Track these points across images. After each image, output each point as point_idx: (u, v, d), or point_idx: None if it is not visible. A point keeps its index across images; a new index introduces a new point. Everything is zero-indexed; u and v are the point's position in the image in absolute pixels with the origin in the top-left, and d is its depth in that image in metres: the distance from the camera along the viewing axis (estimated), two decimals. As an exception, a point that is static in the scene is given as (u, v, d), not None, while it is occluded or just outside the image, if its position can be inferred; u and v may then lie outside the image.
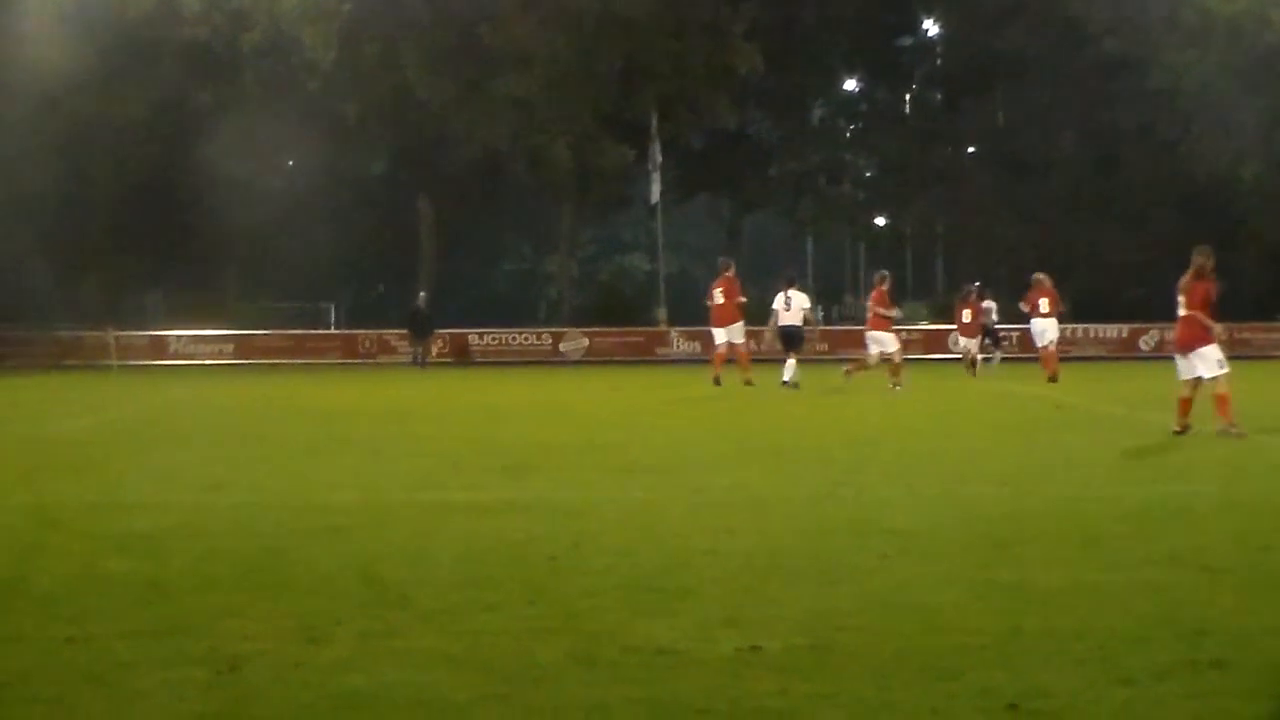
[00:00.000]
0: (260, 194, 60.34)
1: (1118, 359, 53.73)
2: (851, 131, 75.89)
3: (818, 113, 76.10)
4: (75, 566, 10.35)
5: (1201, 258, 20.25)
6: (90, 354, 53.34)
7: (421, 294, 58.33)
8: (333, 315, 74.59)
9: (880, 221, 77.31)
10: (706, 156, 66.47)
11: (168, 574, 10.04)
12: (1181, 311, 20.39)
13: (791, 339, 31.31)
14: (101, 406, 30.48)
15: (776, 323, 31.73)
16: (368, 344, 58.07)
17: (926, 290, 76.80)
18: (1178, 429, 20.14)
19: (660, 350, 56.74)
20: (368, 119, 59.48)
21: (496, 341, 57.73)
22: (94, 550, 11.01)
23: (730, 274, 32.93)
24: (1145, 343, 56.69)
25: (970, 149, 72.98)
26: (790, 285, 31.89)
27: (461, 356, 55.61)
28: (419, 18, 57.01)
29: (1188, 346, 20.32)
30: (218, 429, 23.84)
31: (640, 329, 59.83)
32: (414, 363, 53.60)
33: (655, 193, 61.13)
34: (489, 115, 58.01)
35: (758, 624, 8.30)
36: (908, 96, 75.85)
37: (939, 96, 74.68)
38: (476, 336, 58.26)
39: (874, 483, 15.12)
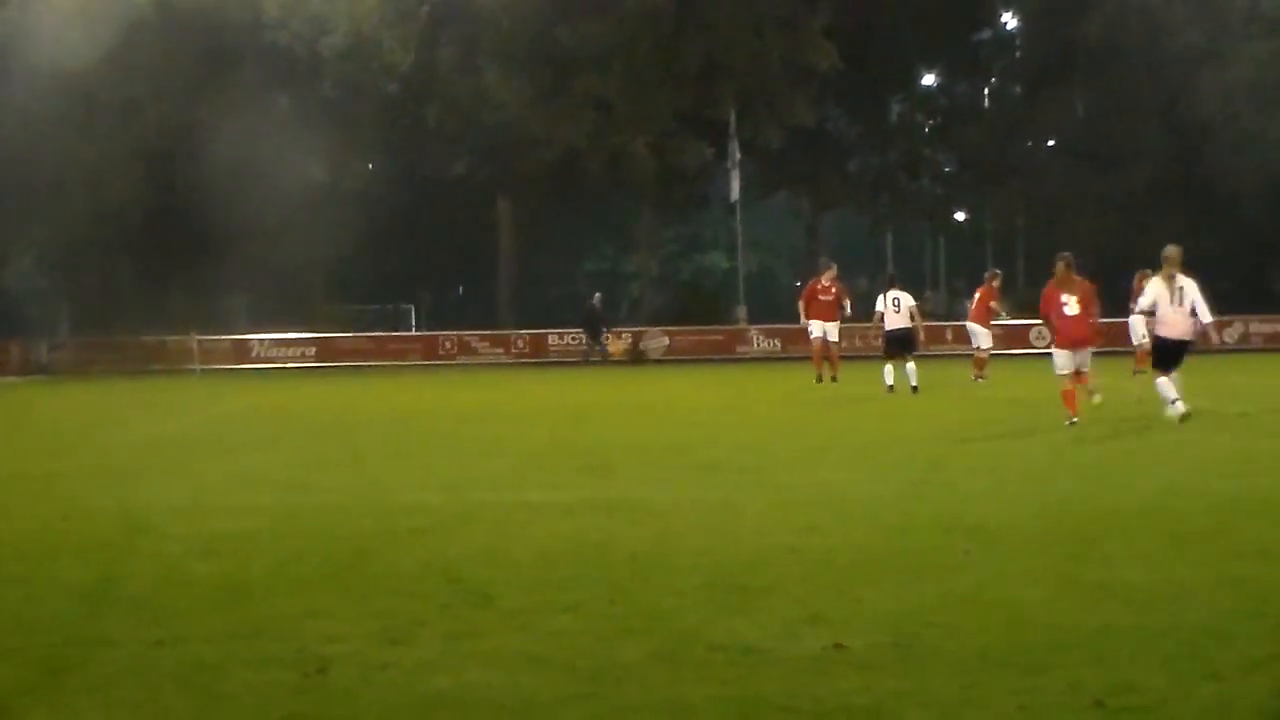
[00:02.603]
0: (341, 197, 60.62)
1: (1201, 352, 53.18)
2: (930, 126, 75.44)
3: (896, 108, 75.70)
4: (163, 570, 10.44)
5: (1062, 263, 22.45)
6: (175, 359, 53.77)
7: (596, 294, 58.93)
8: (413, 317, 74.82)
9: (960, 217, 76.91)
10: (785, 154, 66.23)
11: (254, 576, 10.11)
12: (1071, 311, 22.05)
13: (904, 342, 30.68)
14: (186, 411, 30.72)
15: (883, 326, 31.07)
16: (448, 345, 58.25)
17: (1008, 286, 76.31)
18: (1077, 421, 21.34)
19: (740, 348, 56.67)
20: (446, 121, 59.64)
21: (576, 341, 57.78)
22: (181, 553, 11.10)
23: (833, 273, 33.04)
24: (1229, 335, 56.19)
25: (1050, 142, 72.47)
26: (893, 285, 31.29)
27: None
28: (497, 20, 57.13)
29: (1081, 343, 22.13)
30: (301, 432, 23.95)
31: (721, 327, 59.75)
32: (586, 360, 53.95)
33: (734, 191, 61.01)
34: (568, 116, 58.09)
35: (841, 622, 8.29)
36: (986, 90, 75.37)
37: (1018, 90, 74.17)
38: (556, 336, 58.37)
39: (957, 479, 15.04)
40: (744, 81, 59.93)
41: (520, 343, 57.95)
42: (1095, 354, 22.94)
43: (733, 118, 59.90)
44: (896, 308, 30.39)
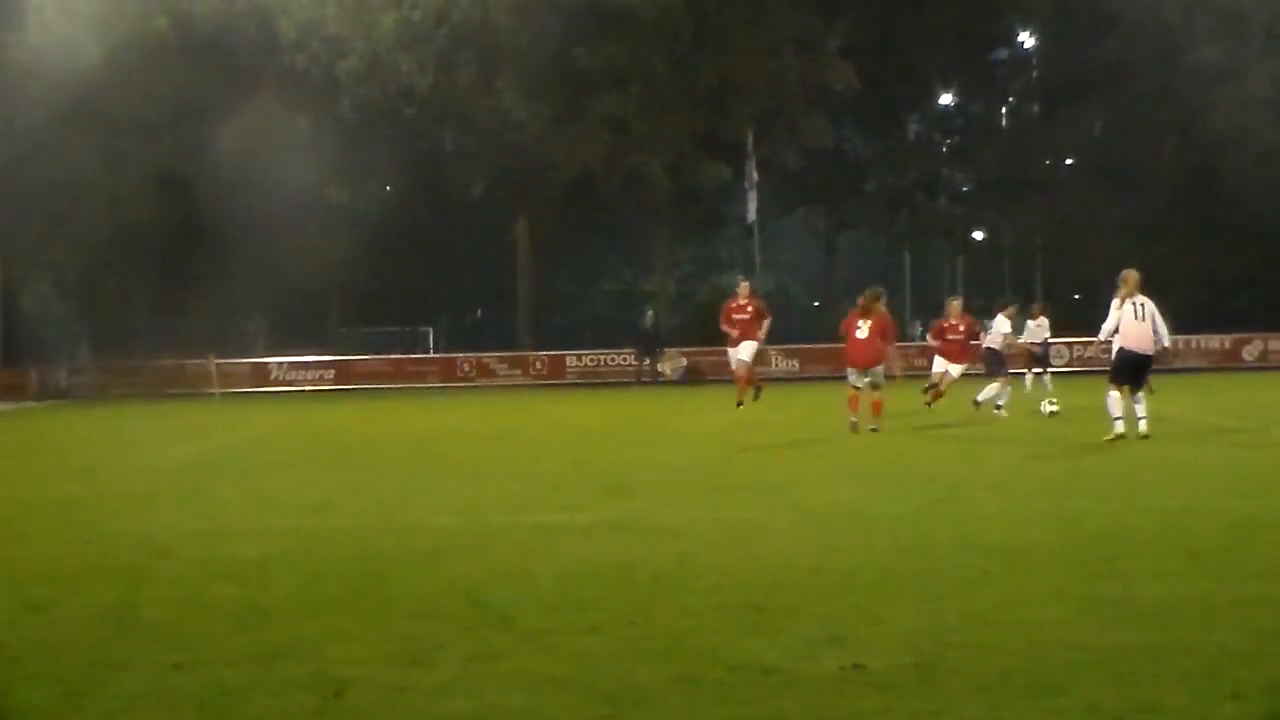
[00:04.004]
0: (359, 220, 60.74)
1: (1221, 370, 53.22)
2: (948, 146, 75.47)
3: (913, 128, 75.76)
4: (182, 593, 10.46)
5: (874, 297, 25.57)
6: (193, 382, 53.85)
7: (650, 313, 59.05)
8: (431, 339, 74.93)
9: (978, 236, 76.89)
10: (803, 174, 66.30)
11: (273, 599, 10.13)
12: (862, 335, 24.99)
13: (990, 363, 30.64)
14: (205, 434, 30.77)
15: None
16: (467, 367, 58.31)
17: (1026, 305, 76.25)
18: (856, 425, 24.59)
19: (758, 369, 56.55)
20: (464, 143, 59.78)
21: (595, 362, 57.84)
22: (200, 577, 11.13)
23: (748, 289, 33.38)
24: (1249, 353, 56.15)
25: (1068, 161, 72.44)
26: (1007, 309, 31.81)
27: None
28: (514, 41, 57.23)
29: (868, 364, 25.03)
30: (319, 455, 23.98)
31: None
32: (638, 381, 53.94)
33: (752, 211, 61.00)
34: (585, 136, 58.17)
35: (861, 642, 8.28)
36: (1004, 109, 75.38)
37: (1035, 109, 74.18)
38: (575, 358, 58.44)
39: (977, 498, 15.04)
40: (761, 102, 59.96)
41: (539, 364, 57.96)
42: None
43: (750, 138, 59.93)
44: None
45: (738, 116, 60.27)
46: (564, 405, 39.62)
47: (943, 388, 30.03)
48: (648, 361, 55.04)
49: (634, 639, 8.55)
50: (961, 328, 30.41)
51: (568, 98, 58.02)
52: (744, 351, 32.37)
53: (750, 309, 32.62)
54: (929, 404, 29.99)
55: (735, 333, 32.42)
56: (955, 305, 31.37)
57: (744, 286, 33.51)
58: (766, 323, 32.87)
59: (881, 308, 25.54)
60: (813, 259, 79.93)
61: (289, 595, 10.27)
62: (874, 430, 24.27)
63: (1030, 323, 32.87)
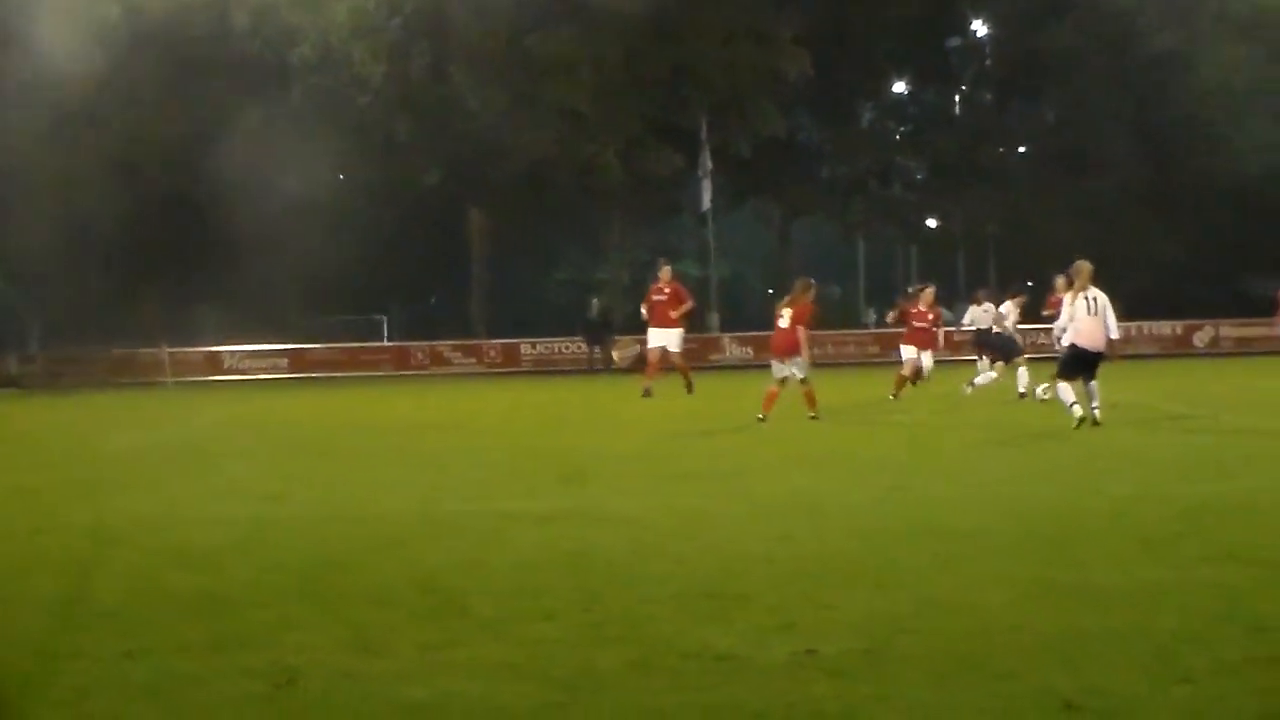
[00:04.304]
0: (312, 208, 60.52)
1: (1172, 356, 53.48)
2: (901, 134, 75.64)
3: (867, 116, 75.90)
4: (134, 582, 10.41)
5: (805, 287, 24.85)
6: (145, 371, 53.65)
7: (595, 302, 58.94)
8: (385, 328, 74.78)
9: (931, 223, 77.06)
10: (756, 162, 66.27)
11: (226, 587, 10.09)
12: (783, 324, 24.27)
13: (1001, 349, 30.43)
14: (158, 422, 30.66)
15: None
16: (420, 356, 58.24)
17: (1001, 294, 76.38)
18: (761, 418, 23.88)
19: (713, 356, 56.68)
20: (418, 132, 59.62)
21: (549, 350, 57.82)
22: (152, 565, 11.08)
23: (668, 274, 33.19)
24: (1199, 339, 56.46)
25: (1021, 148, 72.72)
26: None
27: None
28: (467, 30, 57.09)
29: (786, 353, 24.21)
30: (274, 443, 23.93)
31: (692, 335, 59.63)
32: (590, 369, 53.87)
33: (706, 199, 61.08)
34: (538, 125, 58.06)
35: (814, 628, 8.30)
36: (957, 97, 75.56)
37: (988, 97, 74.41)
38: (529, 345, 58.40)
39: (929, 485, 15.10)
40: (714, 90, 59.95)
41: (493, 352, 57.94)
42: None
43: (704, 126, 59.96)
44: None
45: (691, 104, 60.29)
46: (518, 393, 39.57)
47: (910, 377, 29.91)
48: (597, 350, 54.97)
49: (589, 626, 8.56)
50: (931, 316, 30.45)
51: (521, 86, 57.88)
52: (671, 341, 32.32)
53: (668, 291, 32.60)
54: (895, 396, 29.79)
55: (645, 315, 32.74)
56: (929, 293, 31.33)
57: (665, 270, 33.36)
58: (686, 306, 32.77)
59: (808, 299, 24.90)
60: (767, 246, 79.99)
61: (243, 583, 10.23)
62: (813, 419, 24.04)
63: (977, 309, 32.69)
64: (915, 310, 30.54)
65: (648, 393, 32.02)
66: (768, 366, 24.78)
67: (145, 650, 8.16)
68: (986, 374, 29.95)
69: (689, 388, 32.23)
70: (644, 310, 32.93)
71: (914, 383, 30.22)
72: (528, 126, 57.88)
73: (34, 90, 52.03)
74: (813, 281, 25.79)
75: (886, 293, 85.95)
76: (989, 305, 32.42)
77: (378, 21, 56.72)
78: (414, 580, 10.14)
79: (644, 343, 33.46)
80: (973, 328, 31.98)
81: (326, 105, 58.28)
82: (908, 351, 30.28)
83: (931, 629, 8.21)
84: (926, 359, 30.10)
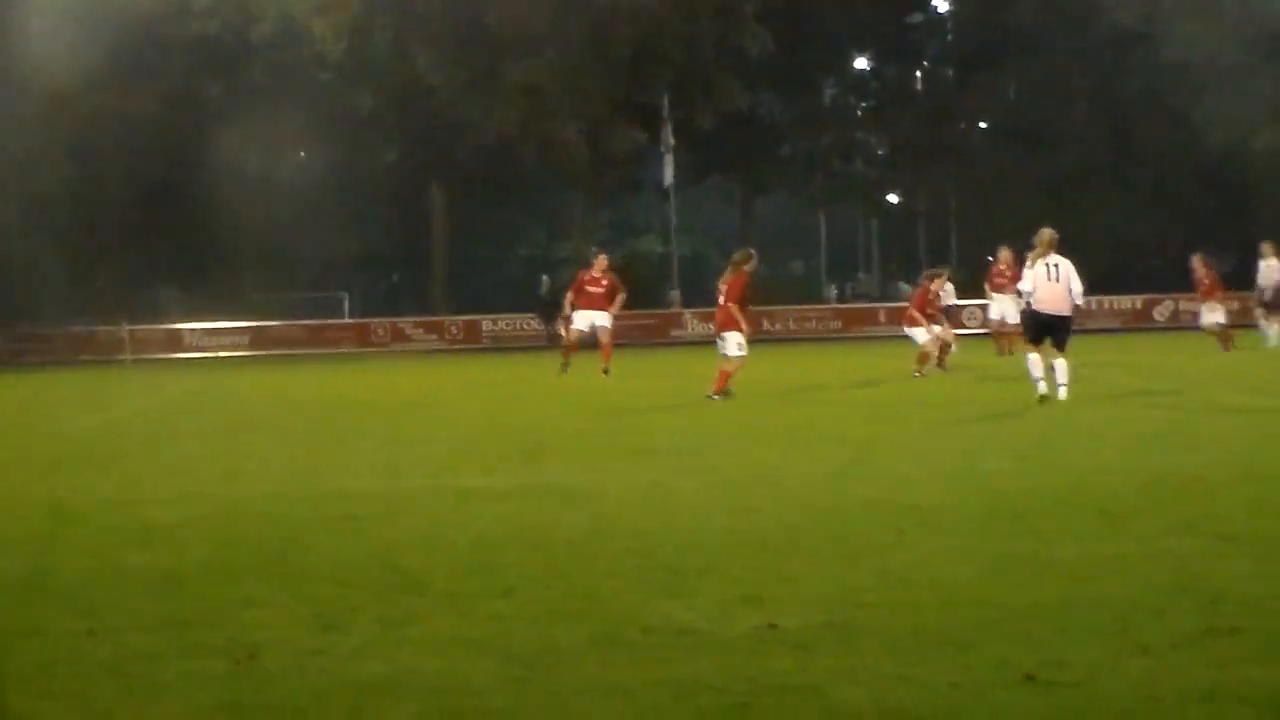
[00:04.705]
0: (273, 186, 60.43)
1: (1132, 330, 53.71)
2: (863, 110, 75.80)
3: (829, 92, 76.02)
4: (94, 560, 10.36)
5: (743, 259, 24.50)
6: (105, 349, 53.52)
7: (545, 279, 58.91)
8: (347, 305, 74.67)
9: (893, 199, 77.25)
10: (718, 138, 66.32)
11: (186, 566, 10.05)
12: (720, 300, 24.12)
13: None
14: (117, 401, 30.56)
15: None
16: (381, 332, 58.22)
17: (940, 265, 76.64)
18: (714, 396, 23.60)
19: (675, 332, 56.76)
20: (379, 109, 59.50)
21: (510, 327, 57.81)
22: (112, 544, 11.03)
23: (604, 264, 32.97)
24: (1160, 313, 56.72)
25: (982, 124, 72.93)
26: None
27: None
28: (428, 6, 57.00)
29: (722, 329, 24.03)
30: (234, 421, 23.89)
31: (654, 312, 59.73)
32: (551, 344, 53.93)
33: (668, 176, 61.14)
34: (500, 102, 57.97)
35: (776, 602, 8.30)
36: (919, 74, 75.74)
37: (950, 73, 74.59)
38: (490, 322, 58.40)
39: (891, 459, 15.16)
40: (676, 66, 59.92)
41: (454, 329, 57.93)
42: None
43: (665, 102, 59.97)
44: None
45: (653, 81, 60.26)
46: (478, 370, 39.53)
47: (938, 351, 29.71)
48: (551, 327, 54.95)
49: (550, 601, 8.54)
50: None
51: (482, 63, 57.78)
52: (601, 319, 32.20)
53: (605, 283, 32.39)
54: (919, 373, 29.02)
55: (569, 306, 32.72)
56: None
57: (600, 259, 33.15)
58: (620, 298, 32.63)
59: (746, 271, 24.25)
60: (729, 223, 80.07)
61: (202, 561, 10.18)
62: (712, 398, 23.48)
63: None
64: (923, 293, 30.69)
65: (567, 368, 31.85)
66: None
67: (106, 629, 8.12)
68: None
69: (607, 371, 31.51)
70: (569, 299, 32.66)
71: (941, 361, 30.06)
72: (489, 103, 57.78)
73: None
74: (752, 252, 25.19)
75: (849, 269, 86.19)
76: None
77: (339, -3, 56.49)
78: (373, 557, 10.12)
79: (569, 321, 33.04)
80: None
81: (287, 83, 58.11)
82: (920, 333, 29.97)
83: (893, 602, 8.22)
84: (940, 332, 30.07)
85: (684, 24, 59.11)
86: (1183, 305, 56.21)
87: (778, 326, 55.29)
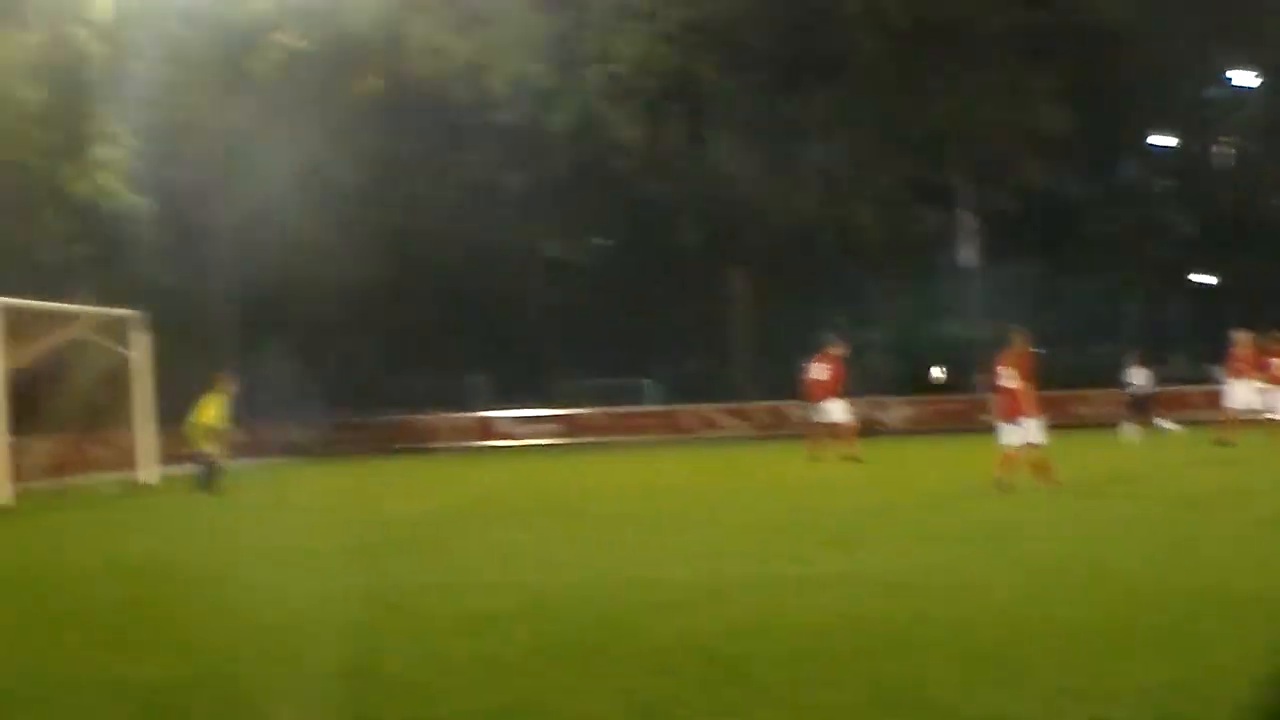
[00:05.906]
0: (574, 272, 61.30)
1: None
2: (1167, 188, 74.35)
3: (1130, 170, 74.76)
4: (422, 648, 10.59)
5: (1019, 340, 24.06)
6: (420, 437, 54.61)
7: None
8: (650, 391, 75.20)
9: (1202, 279, 75.53)
10: (1018, 219, 65.53)
11: (509, 653, 10.22)
12: (1008, 383, 23.60)
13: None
14: (433, 488, 31.08)
15: None
16: (689, 420, 58.44)
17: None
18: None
19: (981, 417, 56.12)
20: (676, 195, 60.02)
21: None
22: (438, 631, 11.27)
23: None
24: None
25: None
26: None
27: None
28: (723, 92, 57.48)
29: (1012, 415, 23.51)
30: (549, 507, 24.10)
31: (959, 397, 59.14)
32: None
33: (967, 258, 60.66)
34: (795, 186, 58.09)
35: (1103, 696, 8.19)
36: (1224, 149, 74.08)
37: (1258, 147, 72.83)
38: (797, 408, 58.33)
39: (1211, 548, 14.79)
40: (972, 147, 59.48)
41: (762, 415, 57.90)
42: None
43: (963, 184, 59.59)
44: None
45: (949, 163, 59.93)
46: (785, 456, 39.27)
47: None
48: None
49: (873, 692, 8.53)
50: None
51: (777, 148, 58.03)
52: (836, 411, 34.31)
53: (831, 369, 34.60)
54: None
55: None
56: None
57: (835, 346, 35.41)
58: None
59: (1024, 352, 23.84)
60: (1031, 306, 79.06)
61: (525, 649, 10.35)
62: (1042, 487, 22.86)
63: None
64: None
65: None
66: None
67: (436, 718, 8.31)
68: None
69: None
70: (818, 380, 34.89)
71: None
72: (785, 188, 57.94)
73: (308, 173, 53.22)
74: (1024, 332, 24.50)
75: (1154, 350, 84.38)
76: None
77: (633, 84, 57.13)
78: (694, 646, 10.18)
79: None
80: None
81: (585, 170, 58.94)
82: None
83: (1222, 696, 8.05)
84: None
85: (977, 105, 58.50)
86: None
87: (1088, 411, 54.27)
